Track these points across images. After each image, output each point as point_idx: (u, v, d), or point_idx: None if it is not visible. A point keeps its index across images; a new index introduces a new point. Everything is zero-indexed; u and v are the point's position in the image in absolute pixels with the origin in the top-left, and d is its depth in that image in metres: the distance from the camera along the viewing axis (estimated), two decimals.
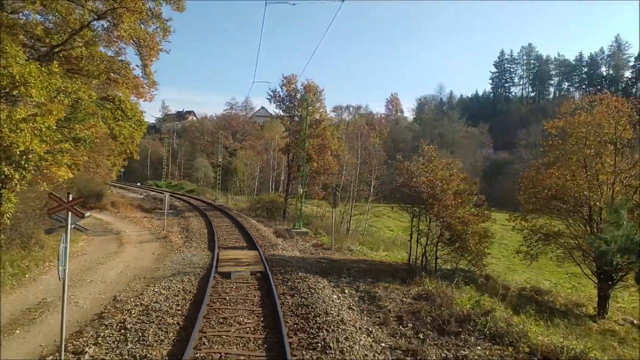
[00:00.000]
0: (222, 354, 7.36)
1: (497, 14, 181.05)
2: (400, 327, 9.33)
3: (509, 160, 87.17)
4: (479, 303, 9.96)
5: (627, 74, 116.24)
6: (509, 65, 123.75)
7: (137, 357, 7.19)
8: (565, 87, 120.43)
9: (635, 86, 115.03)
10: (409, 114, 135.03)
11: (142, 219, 26.26)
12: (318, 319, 9.02)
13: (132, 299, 10.38)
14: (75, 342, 7.99)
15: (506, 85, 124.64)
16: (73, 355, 7.39)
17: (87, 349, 7.60)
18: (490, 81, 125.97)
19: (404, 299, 11.19)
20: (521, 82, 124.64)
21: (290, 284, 11.92)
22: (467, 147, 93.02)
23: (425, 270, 14.10)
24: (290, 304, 10.17)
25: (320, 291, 11.13)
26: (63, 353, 7.22)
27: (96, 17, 15.96)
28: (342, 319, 9.14)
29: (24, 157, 12.15)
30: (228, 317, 9.06)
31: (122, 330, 8.37)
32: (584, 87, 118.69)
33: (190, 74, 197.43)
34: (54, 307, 10.07)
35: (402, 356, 7.94)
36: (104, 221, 24.01)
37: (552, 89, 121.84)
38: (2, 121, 11.52)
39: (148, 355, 7.23)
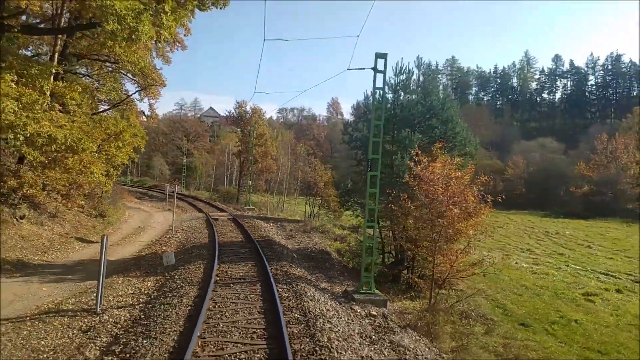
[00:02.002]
0: (227, 233, 22.74)
1: (425, 30, 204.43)
2: (289, 232, 25.22)
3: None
4: (321, 223, 26.01)
5: (533, 85, 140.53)
6: (434, 75, 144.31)
7: (198, 233, 22.48)
8: (482, 95, 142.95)
9: (539, 96, 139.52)
10: (349, 117, 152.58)
11: (142, 203, 40.48)
12: (258, 227, 24.71)
13: (179, 226, 25.43)
14: (168, 234, 23.03)
15: None
16: (173, 236, 22.48)
17: (177, 234, 22.78)
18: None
19: (294, 226, 27.07)
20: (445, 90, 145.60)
21: (246, 221, 27.42)
22: None
23: (311, 220, 30.10)
24: (246, 225, 25.68)
25: (259, 222, 26.86)
26: (173, 229, 22.41)
27: (139, 89, 30.36)
28: (267, 229, 24.89)
29: (120, 165, 26.79)
30: (224, 227, 24.48)
31: (185, 230, 23.59)
32: (497, 96, 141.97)
33: None
34: (147, 229, 24.97)
35: (287, 237, 23.81)
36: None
37: (471, 97, 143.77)
38: (114, 147, 26.06)
39: (202, 233, 22.55)
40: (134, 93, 30.79)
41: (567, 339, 13.97)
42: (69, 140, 15.85)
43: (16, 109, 13.63)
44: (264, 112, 49.57)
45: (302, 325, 9.37)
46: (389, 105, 19.86)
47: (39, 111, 14.32)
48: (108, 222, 24.79)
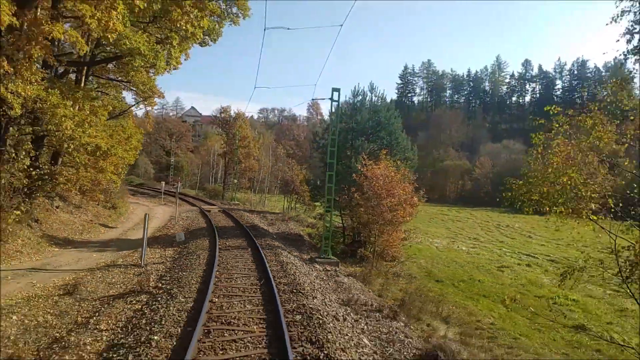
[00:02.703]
0: (220, 221, 28.52)
1: (404, 36, 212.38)
2: (270, 220, 31.16)
3: None
4: (297, 213, 31.93)
5: (504, 88, 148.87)
6: (411, 78, 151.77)
7: (197, 220, 28.23)
8: (456, 97, 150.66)
9: (510, 99, 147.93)
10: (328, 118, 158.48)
11: (138, 198, 45.74)
12: (245, 217, 30.55)
13: (179, 216, 31.06)
14: (172, 222, 28.68)
15: (409, 94, 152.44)
16: (176, 222, 28.14)
17: (179, 221, 28.48)
18: (396, 90, 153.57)
19: (274, 217, 32.97)
20: (421, 92, 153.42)
21: (233, 212, 33.19)
22: None
23: (288, 212, 35.99)
24: (234, 215, 31.46)
25: (245, 213, 32.66)
26: (177, 216, 28.10)
27: (140, 100, 35.70)
28: (252, 218, 30.79)
29: (127, 163, 32.25)
30: (217, 217, 30.24)
31: (185, 219, 29.30)
32: (470, 98, 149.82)
33: None
34: (152, 218, 30.43)
35: (269, 224, 29.74)
36: None
37: (446, 99, 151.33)
38: (123, 149, 31.50)
39: (199, 220, 28.30)
40: (136, 104, 36.21)
41: (465, 290, 20.24)
42: (106, 147, 21.52)
43: (72, 126, 19.17)
44: (247, 117, 55.31)
45: (279, 267, 15.30)
46: (348, 120, 25.87)
47: (88, 127, 19.87)
48: (119, 213, 30.26)
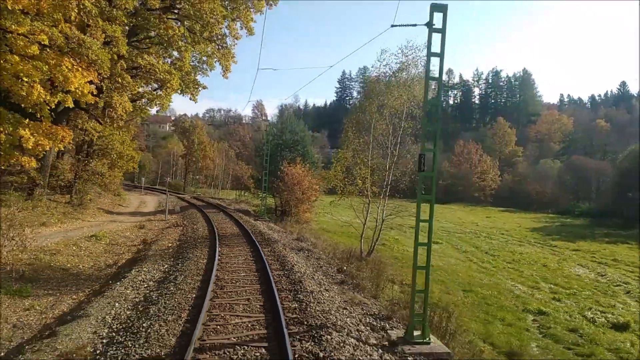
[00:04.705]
0: (197, 202, 45.02)
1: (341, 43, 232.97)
2: (228, 202, 48.08)
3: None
4: (246, 199, 48.97)
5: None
6: (349, 83, 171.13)
7: (181, 202, 44.64)
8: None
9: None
10: (272, 119, 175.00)
11: (126, 192, 60.69)
12: (210, 201, 47.18)
13: (170, 202, 47.16)
14: (164, 203, 44.82)
15: (347, 98, 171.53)
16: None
17: (169, 202, 44.78)
18: (335, 94, 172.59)
19: (230, 201, 49.84)
20: (358, 96, 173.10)
21: (201, 198, 49.61)
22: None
23: (239, 198, 52.83)
24: (206, 199, 47.93)
25: (210, 198, 49.25)
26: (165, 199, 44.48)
27: (129, 119, 51.07)
28: (215, 201, 47.47)
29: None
30: (192, 200, 46.61)
31: (171, 201, 45.58)
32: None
33: None
34: (147, 202, 46.57)
35: (227, 204, 46.69)
36: None
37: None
38: (127, 146, 47.09)
39: (183, 202, 44.71)
40: (128, 120, 51.51)
41: (341, 235, 38.08)
42: (137, 156, 37.65)
43: (119, 145, 35.16)
44: (202, 125, 71.24)
45: (238, 218, 32.35)
46: (278, 137, 43.02)
47: (126, 145, 35.86)
48: (123, 199, 45.80)
